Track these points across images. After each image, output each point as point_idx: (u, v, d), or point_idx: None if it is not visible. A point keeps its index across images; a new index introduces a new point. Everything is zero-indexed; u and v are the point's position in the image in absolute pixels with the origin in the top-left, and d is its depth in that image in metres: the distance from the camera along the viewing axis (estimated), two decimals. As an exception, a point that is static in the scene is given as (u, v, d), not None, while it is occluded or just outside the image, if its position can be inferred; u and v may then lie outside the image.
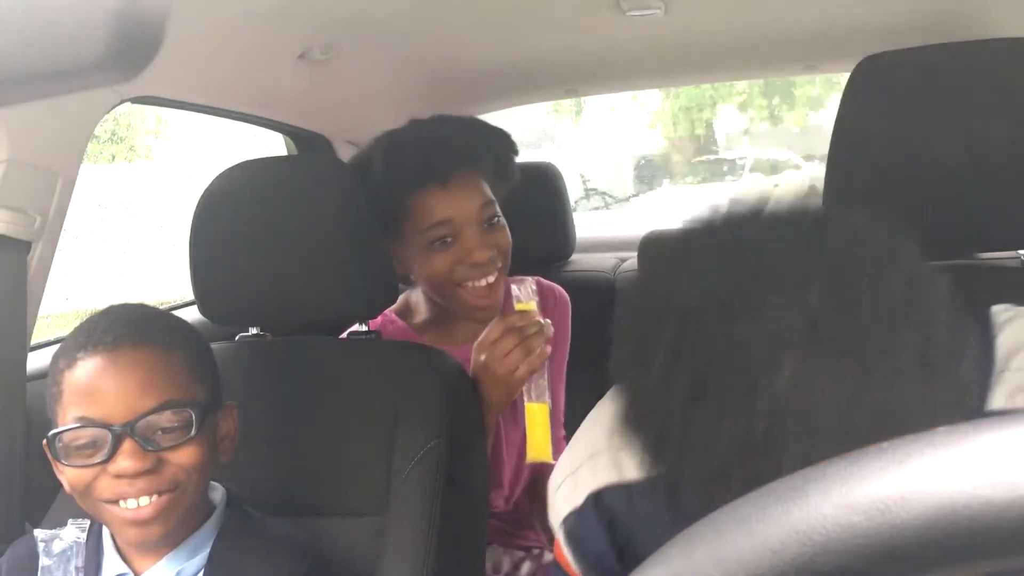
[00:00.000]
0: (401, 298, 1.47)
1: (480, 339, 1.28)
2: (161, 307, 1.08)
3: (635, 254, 2.08)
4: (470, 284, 1.33)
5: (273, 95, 1.64)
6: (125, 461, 0.86)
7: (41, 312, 1.31)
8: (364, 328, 1.35)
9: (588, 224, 2.65)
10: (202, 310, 1.26)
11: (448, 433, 1.15)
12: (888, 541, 0.25)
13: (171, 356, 0.92)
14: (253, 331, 1.32)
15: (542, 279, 1.56)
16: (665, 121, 14.78)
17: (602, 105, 13.80)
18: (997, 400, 0.63)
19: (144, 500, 0.88)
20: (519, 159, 1.48)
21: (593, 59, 1.91)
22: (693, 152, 14.68)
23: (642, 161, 14.57)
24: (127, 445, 0.87)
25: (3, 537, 1.14)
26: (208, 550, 0.96)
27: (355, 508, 1.14)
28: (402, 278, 1.40)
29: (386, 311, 1.45)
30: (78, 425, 0.88)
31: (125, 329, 0.92)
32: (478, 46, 1.74)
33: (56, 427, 0.90)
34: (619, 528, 0.77)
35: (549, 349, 1.27)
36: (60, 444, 0.89)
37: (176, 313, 1.11)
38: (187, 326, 1.01)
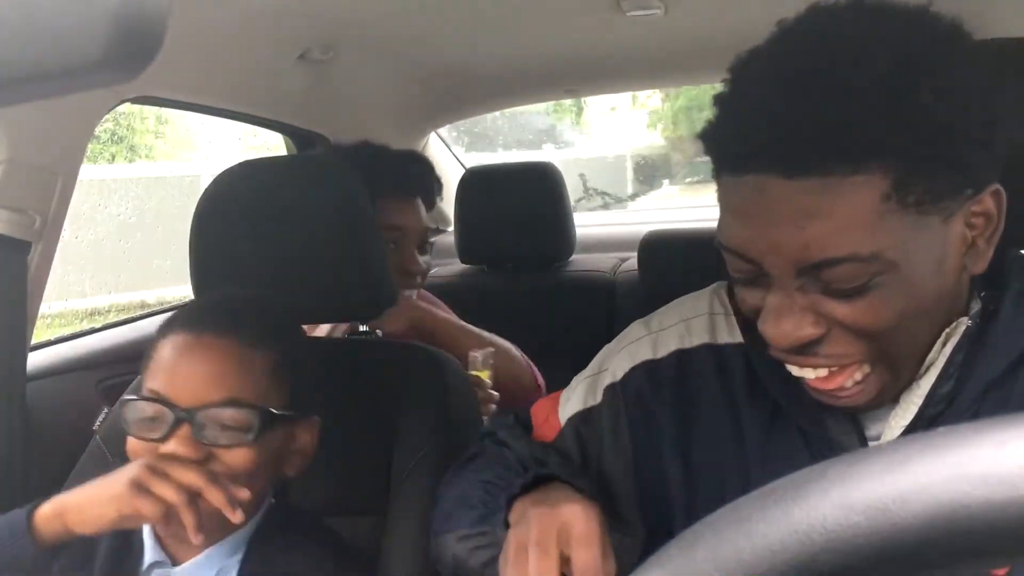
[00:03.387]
0: None
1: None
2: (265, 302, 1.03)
3: (635, 254, 2.08)
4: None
5: (273, 95, 1.64)
6: (178, 446, 0.85)
7: (41, 312, 1.31)
8: (364, 328, 1.35)
9: (588, 224, 2.65)
10: (202, 310, 1.26)
11: (448, 433, 1.15)
12: (888, 541, 0.25)
13: (252, 354, 0.90)
14: (253, 331, 1.32)
15: (424, 290, 1.68)
16: (665, 121, 14.79)
17: (602, 105, 13.80)
18: None
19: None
20: (519, 159, 1.58)
21: (593, 59, 1.92)
22: (693, 152, 14.67)
23: (642, 161, 14.57)
24: (183, 430, 0.86)
25: (3, 537, 1.13)
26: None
27: (355, 508, 1.14)
28: None
29: None
30: (147, 397, 0.88)
31: (217, 315, 0.92)
32: (478, 46, 1.74)
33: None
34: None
35: (493, 408, 1.42)
36: (128, 411, 0.89)
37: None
38: (288, 328, 0.99)
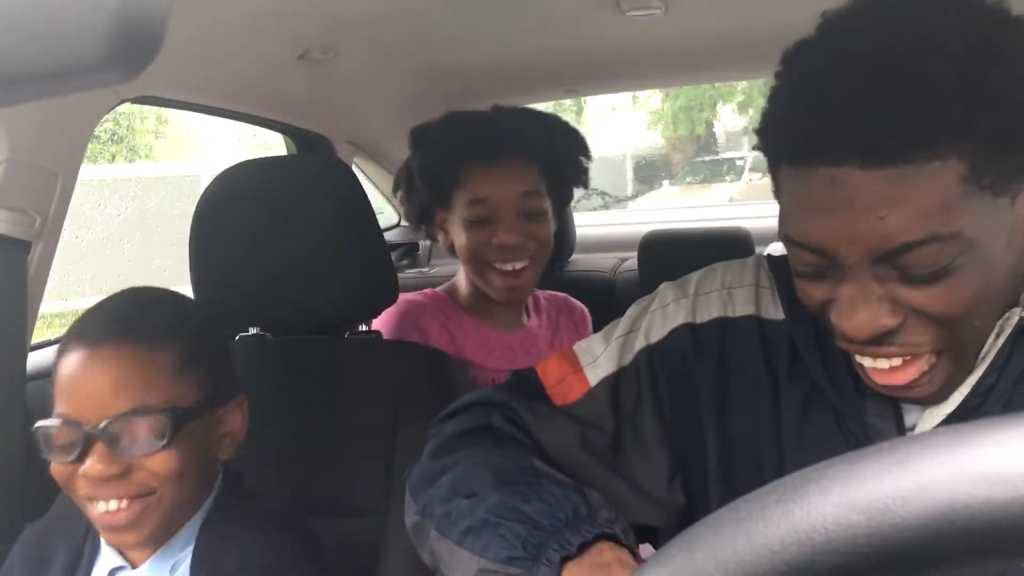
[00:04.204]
0: (451, 281, 1.52)
1: None
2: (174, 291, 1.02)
3: (635, 254, 2.08)
4: (497, 265, 1.36)
5: (273, 95, 1.64)
6: (95, 464, 0.84)
7: (41, 312, 1.31)
8: (364, 328, 1.35)
9: (588, 224, 2.64)
10: (202, 310, 1.26)
11: (448, 433, 1.15)
12: (888, 541, 0.25)
13: (155, 355, 0.88)
14: (253, 331, 1.32)
15: (569, 296, 1.59)
16: (665, 121, 14.79)
17: (602, 105, 13.81)
18: None
19: (113, 504, 0.86)
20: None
21: (593, 59, 1.91)
22: (693, 152, 14.68)
23: (642, 161, 14.58)
24: (97, 447, 0.84)
25: (4, 536, 1.14)
26: None
27: (355, 508, 1.14)
28: (448, 249, 1.45)
29: (436, 290, 1.49)
30: (56, 422, 0.86)
31: (111, 323, 0.89)
32: (478, 46, 1.74)
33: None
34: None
35: None
36: (42, 438, 0.87)
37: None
38: (187, 319, 0.96)
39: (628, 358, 0.84)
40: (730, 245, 1.95)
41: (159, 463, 0.86)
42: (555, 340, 1.51)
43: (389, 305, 1.31)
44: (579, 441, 0.82)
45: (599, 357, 0.85)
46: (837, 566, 0.25)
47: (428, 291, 1.49)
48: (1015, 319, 0.68)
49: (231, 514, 0.96)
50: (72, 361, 0.87)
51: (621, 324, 0.87)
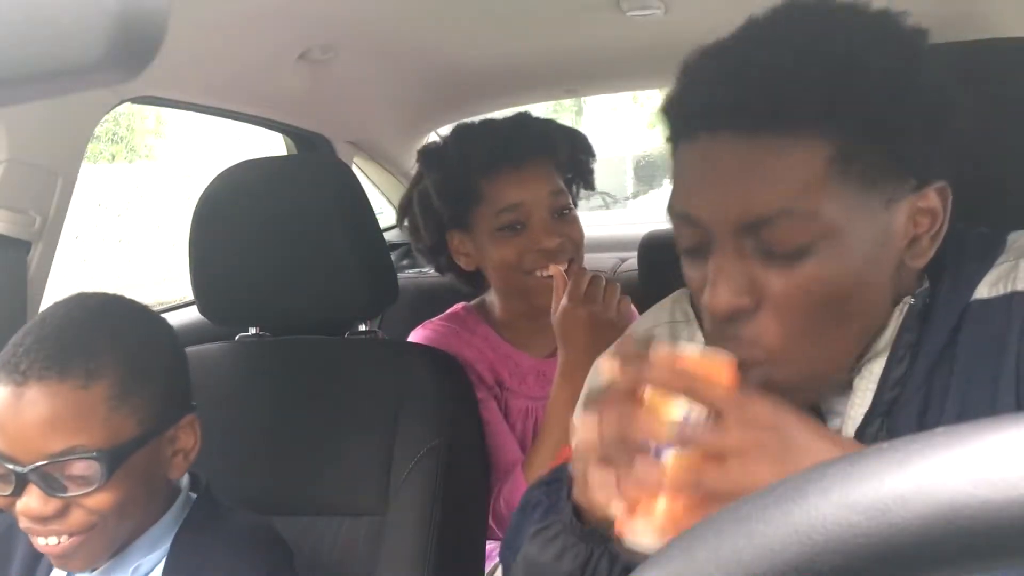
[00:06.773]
0: (478, 300, 1.47)
1: (570, 291, 1.25)
2: (141, 303, 0.96)
3: (635, 254, 2.08)
4: (539, 273, 1.30)
5: (273, 95, 1.64)
6: (30, 502, 0.81)
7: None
8: (364, 328, 1.35)
9: (588, 224, 2.64)
10: (202, 310, 1.26)
11: (448, 433, 1.15)
12: (888, 541, 0.25)
13: (88, 392, 0.82)
14: (253, 331, 1.32)
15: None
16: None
17: (602, 105, 13.81)
18: (981, 290, 0.68)
19: (53, 540, 0.83)
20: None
21: (593, 59, 1.91)
22: (693, 152, 14.64)
23: (642, 161, 14.56)
24: (31, 487, 0.81)
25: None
26: (168, 543, 0.91)
27: (355, 508, 1.14)
28: (467, 275, 1.40)
29: (467, 305, 1.44)
30: None
31: (41, 357, 0.82)
32: (478, 46, 1.74)
33: None
34: None
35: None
36: None
37: (167, 311, 1.01)
38: (128, 339, 0.88)
39: None
40: (730, 245, 1.95)
41: (97, 501, 0.82)
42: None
43: (388, 305, 1.31)
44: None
45: None
46: (837, 566, 0.25)
47: (459, 308, 1.43)
48: (907, 308, 0.68)
49: (207, 526, 0.93)
50: (1, 396, 0.82)
51: (577, 407, 0.89)
